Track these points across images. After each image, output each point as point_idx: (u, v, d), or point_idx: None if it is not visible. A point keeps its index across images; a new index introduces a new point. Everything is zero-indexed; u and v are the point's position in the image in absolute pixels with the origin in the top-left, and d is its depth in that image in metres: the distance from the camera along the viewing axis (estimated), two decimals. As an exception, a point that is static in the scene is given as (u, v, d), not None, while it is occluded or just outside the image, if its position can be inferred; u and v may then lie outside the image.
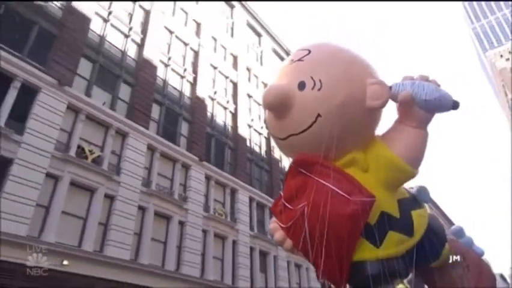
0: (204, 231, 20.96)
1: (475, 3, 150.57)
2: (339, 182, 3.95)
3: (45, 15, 17.55)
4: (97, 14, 20.11)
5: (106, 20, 20.67)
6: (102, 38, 20.19)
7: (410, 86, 4.05)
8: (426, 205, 5.16)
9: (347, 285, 4.32)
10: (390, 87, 4.13)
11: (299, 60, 4.33)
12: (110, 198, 16.89)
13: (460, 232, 6.25)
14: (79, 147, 16.57)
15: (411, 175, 4.25)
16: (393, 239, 4.03)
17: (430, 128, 4.13)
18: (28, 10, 16.72)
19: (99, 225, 16.04)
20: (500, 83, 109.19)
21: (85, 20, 19.12)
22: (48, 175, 14.89)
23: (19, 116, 14.87)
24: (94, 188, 16.35)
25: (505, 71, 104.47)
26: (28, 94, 15.42)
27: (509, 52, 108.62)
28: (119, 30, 21.42)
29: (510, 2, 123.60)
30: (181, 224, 19.84)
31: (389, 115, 4.54)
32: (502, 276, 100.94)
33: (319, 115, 3.93)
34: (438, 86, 4.16)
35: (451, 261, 5.29)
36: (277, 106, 4.10)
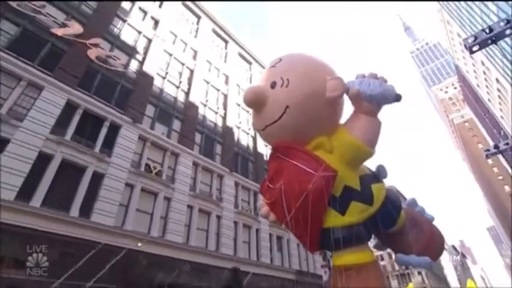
0: (235, 223, 20.97)
1: (419, 54, 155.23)
2: (308, 162, 3.72)
3: (126, 77, 18.57)
4: (158, 74, 21.18)
5: (163, 77, 21.73)
6: (161, 90, 21.14)
7: (358, 84, 3.74)
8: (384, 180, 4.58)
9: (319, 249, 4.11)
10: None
11: (273, 66, 4.15)
12: (168, 199, 17.16)
13: (413, 203, 5.70)
14: (146, 164, 16.97)
15: (368, 154, 3.91)
16: (356, 208, 3.75)
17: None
18: (115, 74, 17.82)
19: (161, 219, 16.27)
20: (443, 109, 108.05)
21: (150, 79, 20.17)
22: (127, 184, 15.35)
23: (108, 145, 15.52)
24: (156, 193, 16.68)
25: (445, 100, 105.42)
26: (114, 130, 16.16)
27: (446, 87, 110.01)
28: (172, 83, 22.37)
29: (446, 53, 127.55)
30: (218, 217, 19.90)
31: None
32: (453, 247, 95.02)
33: (287, 107, 3.67)
34: (385, 82, 3.81)
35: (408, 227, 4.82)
36: (254, 103, 3.88)
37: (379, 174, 4.41)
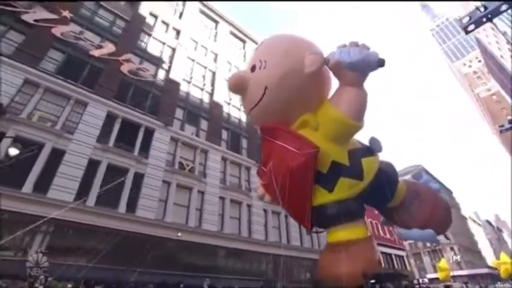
0: (265, 210, 21.02)
1: (440, 31, 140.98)
2: (292, 141, 3.58)
3: (155, 86, 19.20)
4: (183, 79, 21.67)
5: (189, 82, 22.19)
6: (188, 94, 21.61)
7: (338, 54, 3.46)
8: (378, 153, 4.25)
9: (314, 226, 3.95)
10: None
11: (256, 50, 4.10)
12: (201, 193, 17.63)
13: (418, 175, 5.41)
14: (179, 162, 17.50)
15: (355, 127, 3.60)
16: (344, 184, 3.56)
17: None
18: (145, 84, 18.49)
19: (196, 210, 16.77)
20: (467, 83, 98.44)
21: (177, 84, 20.72)
22: (164, 182, 16.00)
23: (145, 148, 16.24)
24: (191, 187, 17.18)
25: (469, 74, 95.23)
26: (149, 134, 16.85)
27: (470, 61, 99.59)
28: (197, 86, 22.76)
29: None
30: (249, 206, 20.11)
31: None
32: (487, 221, 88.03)
33: (266, 87, 3.55)
34: (367, 49, 3.48)
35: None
36: (234, 88, 3.80)
37: (372, 148, 4.13)
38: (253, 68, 3.71)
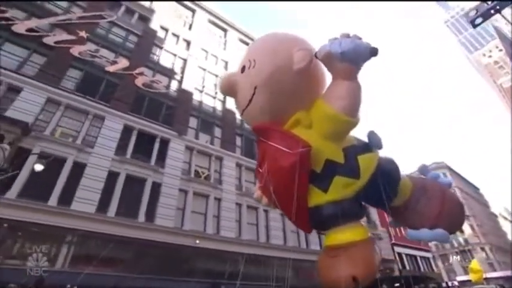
0: (282, 215, 20.74)
1: (455, 22, 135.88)
2: (283, 140, 3.38)
3: (169, 97, 19.66)
4: (196, 89, 22.07)
5: (201, 91, 22.55)
6: (200, 102, 21.93)
7: (329, 45, 3.24)
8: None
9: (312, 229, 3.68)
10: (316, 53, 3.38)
11: (246, 50, 3.91)
12: (218, 200, 17.72)
13: (423, 169, 4.82)
14: (195, 170, 17.73)
15: (349, 123, 3.33)
16: (339, 183, 3.29)
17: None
18: (159, 96, 18.97)
19: (214, 217, 16.85)
20: (488, 74, 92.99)
21: (189, 94, 21.11)
22: (180, 190, 16.18)
23: (161, 157, 16.57)
24: (207, 195, 17.31)
25: (490, 65, 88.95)
26: (164, 144, 17.21)
27: (490, 51, 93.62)
28: (209, 95, 23.05)
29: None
30: (266, 211, 19.84)
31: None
32: None
33: (256, 87, 3.39)
34: (359, 39, 3.27)
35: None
36: (227, 90, 3.70)
37: (370, 143, 3.77)
38: (243, 69, 3.57)
